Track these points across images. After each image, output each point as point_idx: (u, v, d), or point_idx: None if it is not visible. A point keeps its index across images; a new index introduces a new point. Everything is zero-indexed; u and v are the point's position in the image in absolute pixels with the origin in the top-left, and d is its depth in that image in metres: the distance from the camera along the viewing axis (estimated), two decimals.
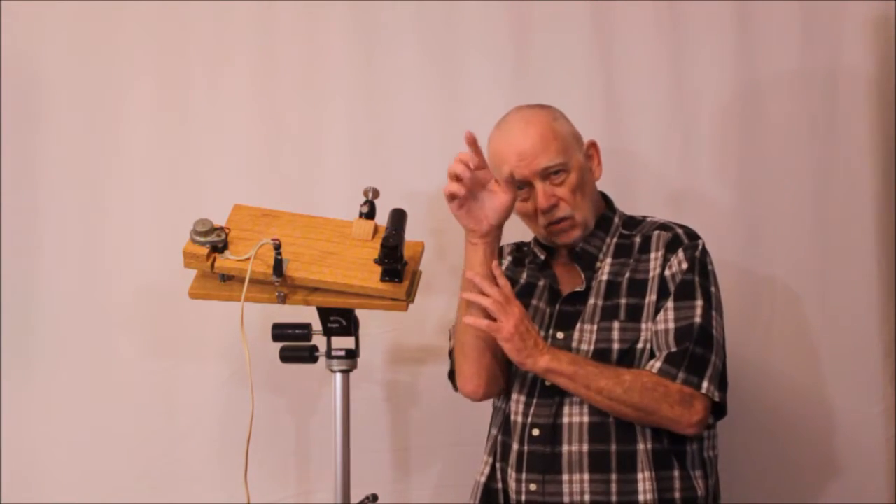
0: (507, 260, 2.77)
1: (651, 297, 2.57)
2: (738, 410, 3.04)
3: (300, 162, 3.21)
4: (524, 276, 2.72)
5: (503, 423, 2.64)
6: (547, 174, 2.60)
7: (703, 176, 3.19)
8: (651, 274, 2.59)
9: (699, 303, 2.55)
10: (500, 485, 2.63)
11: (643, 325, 2.56)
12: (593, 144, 2.69)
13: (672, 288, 2.56)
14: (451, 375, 2.72)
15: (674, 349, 2.51)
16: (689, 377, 2.50)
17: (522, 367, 2.54)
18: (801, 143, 3.18)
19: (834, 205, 3.17)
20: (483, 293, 2.51)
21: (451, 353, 2.71)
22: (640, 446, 2.53)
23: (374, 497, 2.77)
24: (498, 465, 2.64)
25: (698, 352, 2.52)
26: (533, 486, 2.55)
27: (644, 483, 2.52)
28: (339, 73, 3.21)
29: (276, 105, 3.21)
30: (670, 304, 2.54)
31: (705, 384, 2.51)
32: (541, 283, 2.69)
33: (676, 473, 2.54)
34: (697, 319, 2.53)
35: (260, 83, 3.21)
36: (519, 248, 2.79)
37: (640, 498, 2.51)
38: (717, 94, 3.19)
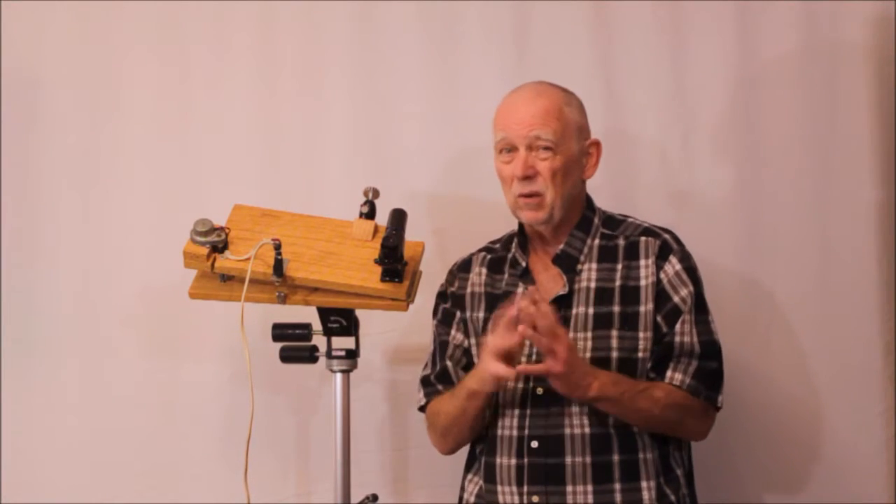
0: (482, 271, 2.74)
1: (648, 306, 2.57)
2: (737, 410, 3.05)
3: (300, 162, 3.21)
4: (502, 285, 2.70)
5: (487, 444, 2.63)
6: (534, 146, 2.58)
7: (702, 174, 3.18)
8: (644, 282, 2.59)
9: (710, 316, 2.61)
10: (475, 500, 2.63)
11: (640, 334, 2.56)
12: (596, 144, 2.67)
13: (675, 296, 2.58)
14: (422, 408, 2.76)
15: (697, 364, 2.56)
16: (710, 394, 2.57)
17: (569, 397, 2.52)
18: (801, 144, 3.17)
19: (834, 204, 3.17)
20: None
21: (422, 384, 2.75)
22: (641, 455, 2.55)
23: (374, 497, 2.77)
24: (485, 486, 2.62)
25: (719, 369, 2.59)
26: (536, 499, 2.54)
27: (649, 492, 2.53)
28: (339, 72, 3.21)
29: (277, 105, 3.21)
30: (688, 316, 2.57)
31: (720, 398, 2.59)
32: (520, 290, 2.66)
33: (669, 476, 2.57)
34: (715, 336, 2.60)
35: (260, 83, 3.21)
36: (491, 249, 2.77)
37: None
38: (717, 94, 3.19)
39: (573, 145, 2.61)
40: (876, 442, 3.13)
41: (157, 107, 3.21)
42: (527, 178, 2.58)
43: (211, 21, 3.21)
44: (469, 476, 2.68)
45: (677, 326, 2.56)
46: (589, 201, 2.71)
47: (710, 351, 2.58)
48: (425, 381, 2.74)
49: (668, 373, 2.55)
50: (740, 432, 3.10)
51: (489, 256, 2.76)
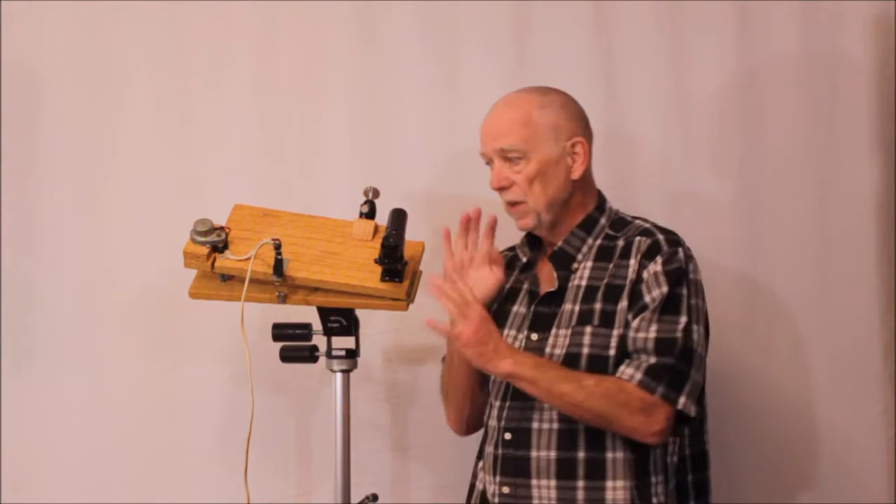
0: None
1: (622, 304, 2.54)
2: (736, 410, 3.05)
3: (300, 162, 3.21)
4: (510, 281, 2.71)
5: (484, 431, 2.67)
6: (505, 158, 2.60)
7: (702, 173, 3.19)
8: (626, 280, 2.56)
9: (682, 318, 2.50)
10: (483, 487, 2.64)
11: (614, 332, 2.53)
12: (580, 143, 2.61)
13: (647, 296, 2.51)
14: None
15: (653, 361, 2.47)
16: (668, 392, 2.46)
17: (487, 373, 2.55)
18: (800, 144, 3.18)
19: (834, 204, 3.17)
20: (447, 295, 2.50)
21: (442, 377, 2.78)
22: (609, 454, 2.51)
23: (374, 497, 2.78)
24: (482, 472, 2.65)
25: (679, 367, 2.48)
26: (506, 489, 2.55)
27: (614, 492, 2.50)
28: (339, 72, 3.21)
29: (276, 105, 3.21)
30: (649, 314, 2.49)
31: (682, 399, 2.47)
32: (523, 286, 2.68)
33: (643, 482, 2.51)
34: (679, 334, 2.49)
35: (260, 83, 3.21)
36: (511, 249, 2.78)
37: None
38: (717, 94, 3.19)
39: (549, 148, 2.59)
40: (876, 442, 3.14)
41: (157, 106, 3.21)
42: (501, 188, 2.61)
43: (211, 21, 3.21)
44: (480, 463, 2.69)
45: (634, 322, 2.50)
46: (601, 201, 2.67)
47: (667, 349, 2.47)
48: (444, 359, 2.78)
49: (621, 367, 2.48)
50: (739, 432, 3.10)
51: (507, 255, 2.76)
